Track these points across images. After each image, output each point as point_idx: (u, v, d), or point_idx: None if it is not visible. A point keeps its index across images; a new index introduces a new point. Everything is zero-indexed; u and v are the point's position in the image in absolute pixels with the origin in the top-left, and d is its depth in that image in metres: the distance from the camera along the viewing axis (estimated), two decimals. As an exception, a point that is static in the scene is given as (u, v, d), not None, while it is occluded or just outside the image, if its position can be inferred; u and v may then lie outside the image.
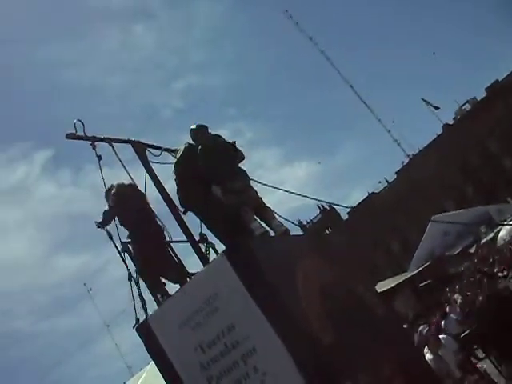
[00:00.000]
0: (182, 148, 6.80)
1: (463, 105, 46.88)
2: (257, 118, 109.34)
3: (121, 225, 6.48)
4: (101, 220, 6.51)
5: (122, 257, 6.24)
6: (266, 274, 5.11)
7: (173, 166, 6.77)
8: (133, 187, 6.72)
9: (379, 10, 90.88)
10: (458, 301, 13.00)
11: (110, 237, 6.37)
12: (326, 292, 5.65)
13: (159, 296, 6.14)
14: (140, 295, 6.17)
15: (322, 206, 52.01)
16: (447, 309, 13.86)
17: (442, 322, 12.56)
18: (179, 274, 6.34)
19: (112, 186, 6.71)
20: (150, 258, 6.27)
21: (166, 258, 6.44)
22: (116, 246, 6.31)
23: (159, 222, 6.67)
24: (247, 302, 4.97)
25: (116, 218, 6.52)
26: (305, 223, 54.35)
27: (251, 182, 6.62)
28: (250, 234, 6.00)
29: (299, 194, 8.14)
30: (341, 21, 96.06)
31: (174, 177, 6.69)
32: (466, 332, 8.98)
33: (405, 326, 13.19)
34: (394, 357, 5.97)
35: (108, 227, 6.48)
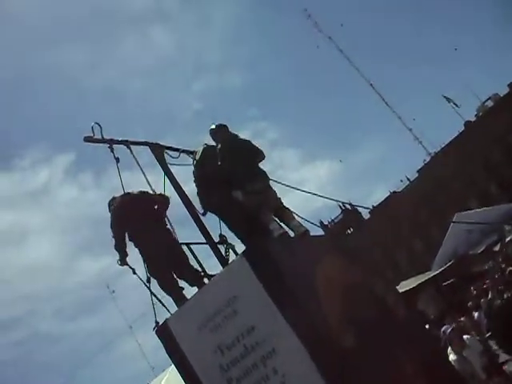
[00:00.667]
0: (200, 150, 6.79)
1: (485, 101, 46.38)
2: (278, 117, 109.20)
3: (130, 240, 6.51)
4: (118, 258, 6.51)
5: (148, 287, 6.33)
6: (286, 275, 5.08)
7: (192, 167, 6.76)
8: (132, 197, 6.64)
9: (398, 6, 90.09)
10: (489, 295, 12.81)
11: (134, 272, 6.43)
12: (346, 293, 5.58)
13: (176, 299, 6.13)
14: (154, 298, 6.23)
15: (344, 205, 51.80)
16: (481, 301, 13.67)
17: (475, 314, 12.38)
18: (197, 275, 6.31)
19: (112, 200, 6.71)
20: (161, 262, 6.26)
21: (180, 260, 6.41)
22: (141, 279, 6.37)
23: (168, 224, 6.64)
24: (267, 303, 4.93)
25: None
26: (326, 223, 54.16)
27: (271, 182, 6.58)
28: (269, 235, 5.96)
29: (316, 194, 8.11)
30: (359, 20, 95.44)
31: (194, 179, 6.68)
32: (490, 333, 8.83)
33: (427, 325, 13.05)
34: (417, 358, 5.89)
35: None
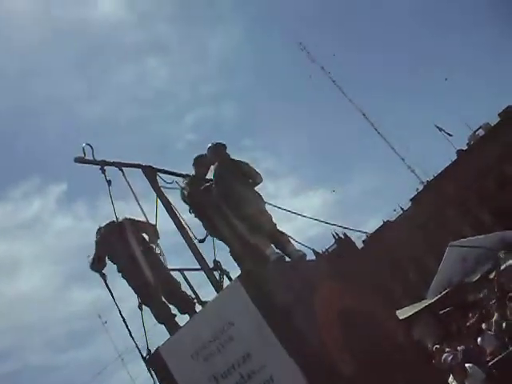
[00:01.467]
0: (185, 182, 6.63)
1: (476, 130, 46.65)
2: (271, 148, 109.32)
3: (118, 271, 6.38)
4: (91, 261, 6.48)
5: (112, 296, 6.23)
6: (282, 300, 4.91)
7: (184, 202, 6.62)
8: (118, 226, 6.50)
9: (389, 36, 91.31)
10: (495, 317, 12.64)
11: (104, 278, 6.38)
12: (345, 318, 5.41)
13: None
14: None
15: (337, 234, 51.66)
16: (483, 325, 13.48)
17: (479, 339, 12.19)
18: (188, 302, 6.13)
19: (98, 230, 6.60)
20: (151, 290, 6.11)
21: (170, 287, 6.23)
22: (108, 286, 6.31)
23: (158, 250, 6.48)
24: (263, 329, 4.77)
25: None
26: (320, 252, 53.87)
27: (267, 207, 6.45)
28: (265, 260, 5.79)
29: (316, 219, 7.99)
30: (352, 50, 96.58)
31: (193, 211, 6.55)
32: (497, 358, 8.59)
33: (426, 354, 12.88)
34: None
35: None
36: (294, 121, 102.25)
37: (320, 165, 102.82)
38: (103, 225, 6.62)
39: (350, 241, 48.85)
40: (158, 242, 6.65)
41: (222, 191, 6.10)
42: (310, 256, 7.00)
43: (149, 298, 6.15)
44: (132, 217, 6.62)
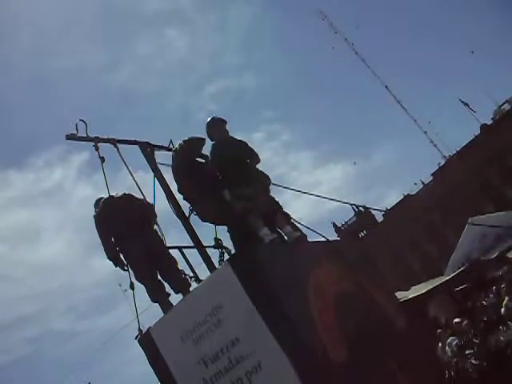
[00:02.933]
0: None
1: (502, 104, 45.73)
2: (292, 119, 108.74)
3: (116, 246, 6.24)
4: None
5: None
6: (274, 284, 4.78)
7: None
8: (116, 201, 6.30)
9: (414, 7, 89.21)
10: (505, 301, 12.37)
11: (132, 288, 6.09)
12: (340, 304, 5.26)
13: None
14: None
15: (357, 207, 51.38)
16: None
17: (502, 310, 11.95)
18: (183, 282, 6.00)
19: (98, 201, 6.42)
20: (146, 267, 5.99)
21: (166, 265, 6.10)
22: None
23: (156, 228, 6.33)
24: (252, 314, 4.63)
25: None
26: (340, 225, 53.73)
27: (276, 187, 6.32)
28: (259, 242, 5.59)
29: (325, 197, 7.90)
30: (375, 22, 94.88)
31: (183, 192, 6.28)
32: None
33: (439, 331, 12.72)
34: (416, 374, 5.55)
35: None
36: (316, 93, 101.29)
37: (341, 137, 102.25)
38: (103, 197, 6.48)
39: (370, 214, 48.79)
40: (157, 219, 6.51)
41: (218, 170, 5.92)
42: (315, 236, 6.87)
43: (144, 276, 6.05)
44: (131, 193, 6.50)
